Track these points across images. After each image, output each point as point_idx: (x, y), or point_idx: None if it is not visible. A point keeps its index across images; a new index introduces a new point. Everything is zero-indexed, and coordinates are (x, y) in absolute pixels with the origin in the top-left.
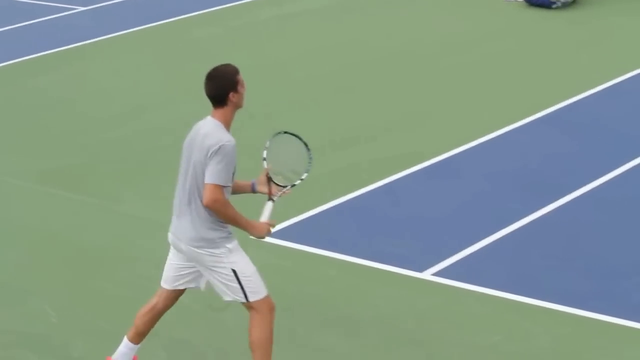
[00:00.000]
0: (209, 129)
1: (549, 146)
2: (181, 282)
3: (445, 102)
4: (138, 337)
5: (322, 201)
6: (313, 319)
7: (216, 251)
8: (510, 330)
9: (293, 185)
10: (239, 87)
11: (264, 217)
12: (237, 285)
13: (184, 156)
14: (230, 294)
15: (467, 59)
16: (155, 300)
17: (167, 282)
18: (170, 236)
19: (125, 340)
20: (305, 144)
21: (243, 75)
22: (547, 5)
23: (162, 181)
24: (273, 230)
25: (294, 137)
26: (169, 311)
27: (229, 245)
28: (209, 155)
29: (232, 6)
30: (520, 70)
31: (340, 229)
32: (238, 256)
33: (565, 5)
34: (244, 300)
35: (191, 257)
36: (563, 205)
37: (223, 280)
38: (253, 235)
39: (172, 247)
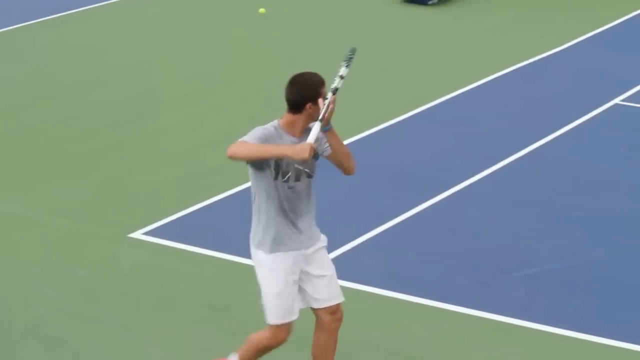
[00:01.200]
0: None
1: (427, 142)
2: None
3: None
4: None
5: (193, 201)
6: (188, 315)
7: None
8: (388, 327)
9: (336, 91)
10: (319, 100)
11: (309, 139)
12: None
13: None
14: None
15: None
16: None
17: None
18: None
19: None
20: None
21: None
22: (423, 2)
23: (40, 178)
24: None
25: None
26: (46, 309)
27: (260, 255)
28: None
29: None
30: (397, 66)
31: (222, 226)
32: (267, 272)
33: (440, 2)
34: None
35: None
36: (440, 201)
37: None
38: (296, 158)
39: None
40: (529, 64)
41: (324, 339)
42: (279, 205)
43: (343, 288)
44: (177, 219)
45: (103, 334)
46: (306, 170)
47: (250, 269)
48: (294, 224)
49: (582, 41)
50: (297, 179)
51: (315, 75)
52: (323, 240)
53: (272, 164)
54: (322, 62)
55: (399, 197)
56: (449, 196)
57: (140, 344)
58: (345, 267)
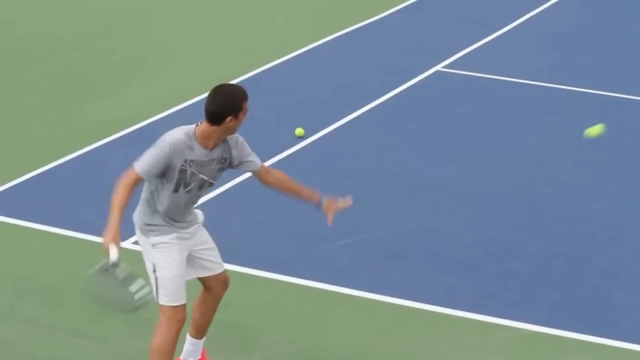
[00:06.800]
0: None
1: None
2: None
3: (141, 69)
4: (199, 332)
5: (21, 172)
6: (15, 292)
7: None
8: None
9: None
10: (241, 115)
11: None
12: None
13: None
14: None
15: (161, 28)
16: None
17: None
18: None
19: (188, 337)
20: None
21: None
22: None
23: None
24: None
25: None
26: None
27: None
28: None
29: None
30: (217, 35)
31: (41, 199)
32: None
33: None
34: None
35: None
36: None
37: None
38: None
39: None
40: (348, 32)
41: (212, 304)
42: (169, 207)
43: None
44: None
45: None
46: (210, 181)
47: (66, 240)
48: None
49: (399, 10)
50: (200, 188)
51: (239, 88)
52: (201, 218)
53: (175, 178)
54: (138, 36)
55: None
56: (269, 165)
57: None
58: None
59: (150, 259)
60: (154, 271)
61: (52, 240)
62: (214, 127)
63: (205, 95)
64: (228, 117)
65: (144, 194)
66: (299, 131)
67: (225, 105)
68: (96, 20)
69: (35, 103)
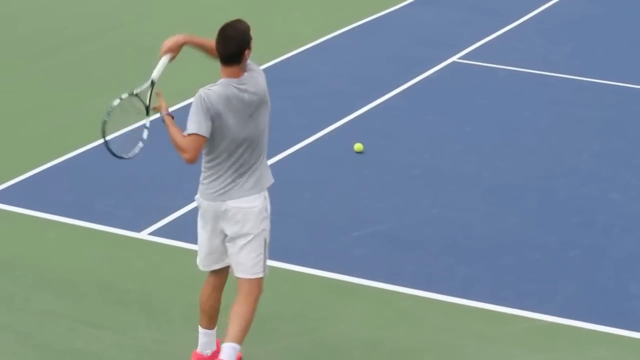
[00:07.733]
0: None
1: None
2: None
3: (151, 62)
4: (212, 322)
5: (36, 164)
6: (31, 283)
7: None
8: (228, 289)
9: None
10: (252, 43)
11: None
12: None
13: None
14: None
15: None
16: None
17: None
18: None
19: (201, 329)
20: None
21: None
22: None
23: None
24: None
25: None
26: None
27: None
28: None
29: None
30: None
31: (57, 190)
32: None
33: None
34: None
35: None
36: (277, 161)
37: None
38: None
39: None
40: (363, 24)
41: (221, 291)
42: None
43: (182, 249)
44: (17, 183)
45: None
46: None
47: (82, 231)
48: None
49: (414, 1)
50: None
51: (241, 22)
52: None
53: None
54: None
55: None
56: (286, 156)
57: None
58: (182, 229)
59: (266, 226)
60: (265, 245)
61: (68, 232)
62: (239, 66)
63: None
64: (245, 51)
65: (265, 154)
66: (358, 146)
67: (240, 42)
68: (102, 15)
69: (46, 97)
